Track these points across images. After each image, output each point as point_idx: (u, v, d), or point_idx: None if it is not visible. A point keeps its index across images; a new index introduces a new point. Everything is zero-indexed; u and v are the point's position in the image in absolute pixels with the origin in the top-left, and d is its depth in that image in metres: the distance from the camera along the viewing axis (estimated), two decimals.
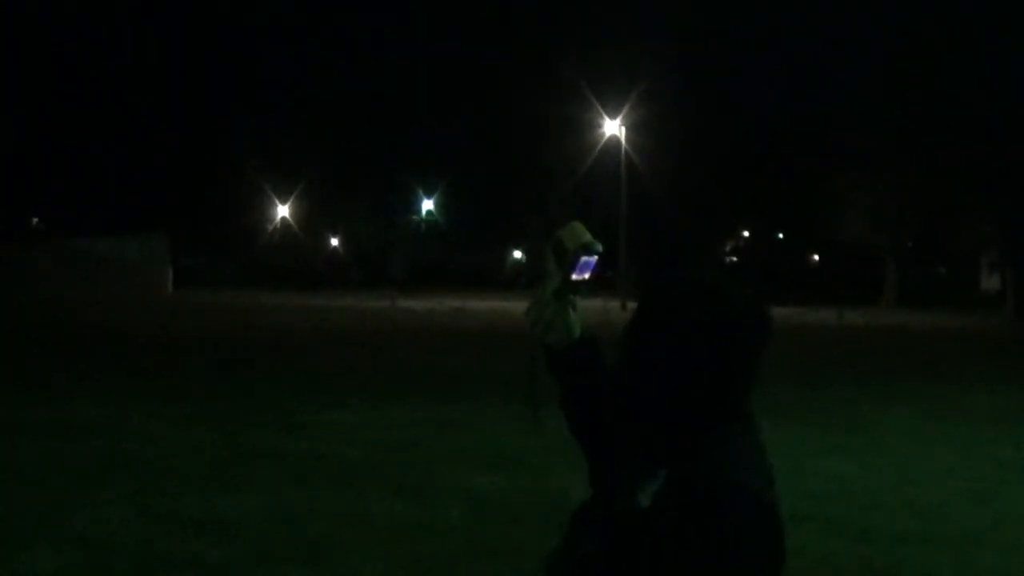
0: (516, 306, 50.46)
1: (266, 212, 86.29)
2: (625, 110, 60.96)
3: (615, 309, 36.88)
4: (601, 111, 61.75)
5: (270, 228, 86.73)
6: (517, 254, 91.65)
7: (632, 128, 61.72)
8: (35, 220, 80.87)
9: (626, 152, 60.44)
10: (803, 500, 9.57)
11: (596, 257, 2.78)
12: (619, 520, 2.11)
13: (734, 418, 2.17)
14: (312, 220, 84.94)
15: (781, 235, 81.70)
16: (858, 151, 57.22)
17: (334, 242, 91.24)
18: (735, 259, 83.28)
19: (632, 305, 2.88)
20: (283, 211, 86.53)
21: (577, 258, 2.75)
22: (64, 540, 8.42)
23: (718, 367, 2.15)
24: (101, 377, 19.74)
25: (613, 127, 61.57)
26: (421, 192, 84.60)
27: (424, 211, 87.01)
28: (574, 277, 2.75)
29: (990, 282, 66.59)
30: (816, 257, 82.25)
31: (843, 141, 58.18)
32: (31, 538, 8.48)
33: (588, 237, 2.77)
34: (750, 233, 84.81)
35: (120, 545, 8.33)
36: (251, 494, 10.11)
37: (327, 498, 9.98)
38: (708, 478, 2.05)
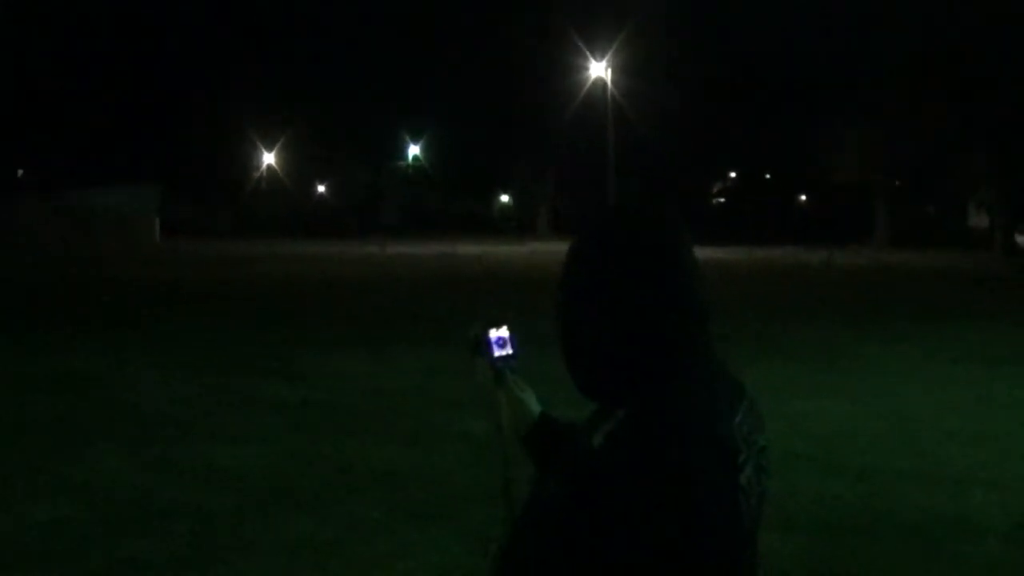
0: (505, 250, 50.43)
1: (252, 160, 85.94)
2: (611, 52, 60.69)
3: None
4: (587, 53, 61.48)
5: (256, 176, 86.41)
6: (505, 198, 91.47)
7: (618, 70, 61.47)
8: (20, 172, 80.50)
9: (612, 95, 60.22)
10: (799, 440, 9.62)
11: (504, 329, 2.82)
12: (574, 462, 2.09)
13: (686, 352, 2.11)
14: (298, 167, 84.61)
15: (769, 176, 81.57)
16: (849, 92, 57.05)
17: (321, 189, 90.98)
18: (723, 200, 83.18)
19: None
20: (269, 159, 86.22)
21: (486, 339, 2.79)
22: (63, 491, 8.45)
23: (644, 302, 2.09)
24: (96, 329, 19.73)
25: (599, 69, 61.32)
26: (407, 137, 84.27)
27: (411, 156, 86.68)
28: (496, 355, 2.78)
29: (978, 220, 66.63)
30: (804, 198, 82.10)
31: (833, 82, 57.98)
32: (30, 489, 8.51)
33: (486, 318, 2.84)
34: (738, 175, 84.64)
35: (119, 495, 8.36)
36: (249, 443, 10.13)
37: (325, 445, 10.01)
38: (655, 414, 2.01)
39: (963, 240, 61.09)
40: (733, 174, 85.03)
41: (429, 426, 10.87)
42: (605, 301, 2.11)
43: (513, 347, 2.80)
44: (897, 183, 64.11)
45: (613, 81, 60.76)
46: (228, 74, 75.01)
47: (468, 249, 52.16)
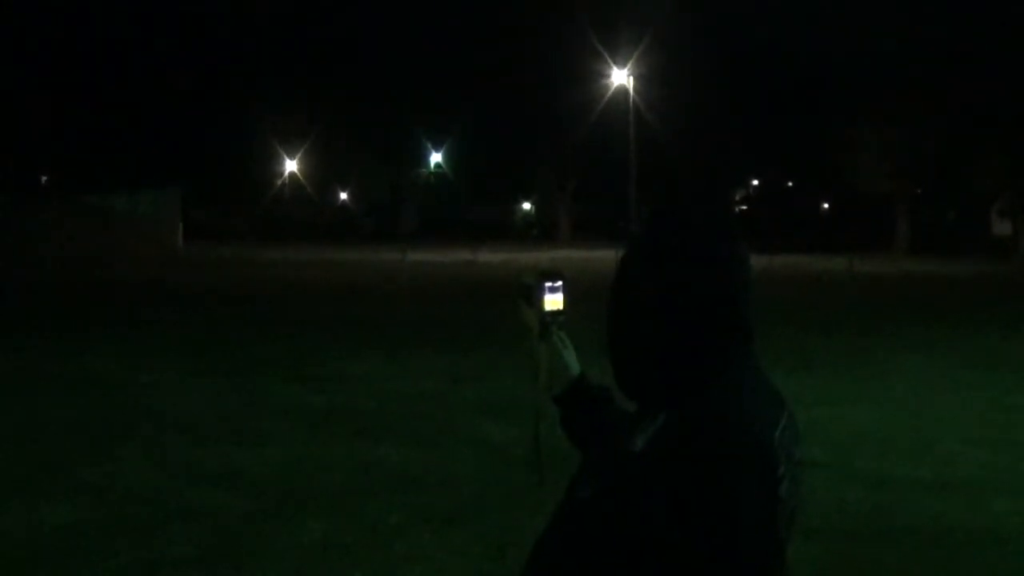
0: (527, 257, 50.37)
1: (275, 167, 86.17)
2: (633, 60, 60.65)
3: None
4: (609, 60, 61.46)
5: (279, 183, 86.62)
6: (527, 206, 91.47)
7: (640, 78, 61.43)
8: (44, 178, 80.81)
9: (635, 102, 60.19)
10: (817, 447, 9.59)
11: (559, 281, 2.81)
12: (613, 465, 2.10)
13: (731, 362, 2.14)
14: (320, 174, 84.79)
15: (791, 183, 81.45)
16: (870, 98, 56.86)
17: (343, 196, 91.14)
18: (745, 207, 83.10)
19: None
20: (291, 166, 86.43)
21: (540, 288, 2.78)
22: (82, 493, 8.48)
23: (698, 311, 2.11)
24: (117, 332, 19.81)
25: (621, 76, 61.29)
26: (429, 145, 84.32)
27: (432, 164, 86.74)
28: (547, 308, 2.78)
29: (1001, 227, 66.36)
30: (826, 205, 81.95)
31: (855, 88, 57.80)
32: (49, 491, 8.54)
33: (543, 268, 2.84)
34: (760, 182, 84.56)
35: (137, 498, 8.39)
36: (267, 446, 10.16)
37: (343, 450, 10.03)
38: (699, 420, 2.03)
39: (985, 247, 60.88)
40: (755, 182, 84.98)
41: (448, 431, 10.89)
42: (655, 306, 2.14)
43: (565, 302, 2.81)
44: (919, 190, 63.92)
45: (635, 89, 60.72)
46: (252, 80, 75.18)
47: (489, 257, 52.13)
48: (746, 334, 2.17)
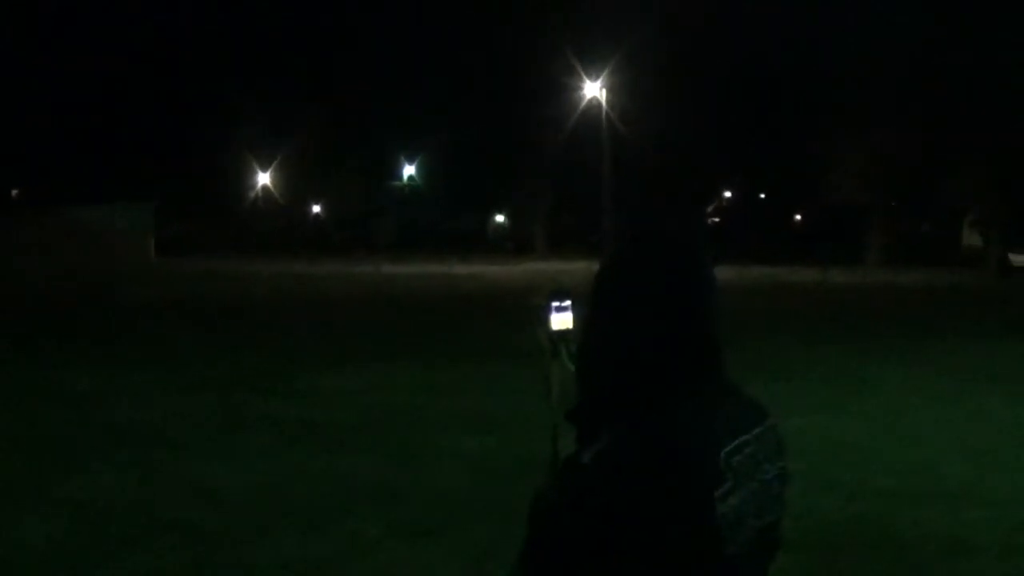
0: (502, 270, 50.34)
1: (247, 179, 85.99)
2: (606, 72, 60.75)
3: None
4: (582, 73, 61.53)
5: (252, 195, 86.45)
6: (500, 218, 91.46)
7: (613, 90, 61.52)
8: (14, 192, 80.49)
9: (608, 114, 60.29)
10: (794, 458, 9.59)
11: (568, 301, 2.84)
12: (567, 475, 2.12)
13: (686, 380, 2.13)
14: (293, 187, 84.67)
15: (764, 195, 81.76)
16: (843, 110, 57.08)
17: (316, 209, 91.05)
18: (718, 219, 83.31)
19: None
20: (264, 178, 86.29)
21: (548, 308, 2.81)
22: (59, 508, 8.46)
23: (656, 326, 2.12)
24: (91, 345, 19.75)
25: (594, 89, 61.40)
26: (403, 157, 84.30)
27: (406, 176, 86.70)
28: (554, 327, 2.81)
29: (971, 239, 66.71)
30: (799, 217, 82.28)
31: (828, 101, 58.01)
32: (26, 506, 8.52)
33: (553, 288, 2.87)
34: (732, 194, 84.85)
35: (115, 512, 8.36)
36: (245, 460, 10.15)
37: (321, 463, 10.02)
38: (636, 437, 2.05)
39: (958, 259, 61.20)
40: (728, 193, 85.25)
41: (425, 443, 10.89)
42: (611, 323, 2.16)
43: (574, 321, 2.84)
44: (892, 202, 64.19)
45: (608, 101, 60.82)
46: (223, 93, 75.02)
47: (462, 269, 52.16)
48: (706, 347, 2.18)
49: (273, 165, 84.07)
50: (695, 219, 63.32)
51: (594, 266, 2.35)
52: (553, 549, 2.01)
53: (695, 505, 1.98)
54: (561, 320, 2.85)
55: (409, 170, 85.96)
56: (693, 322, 2.14)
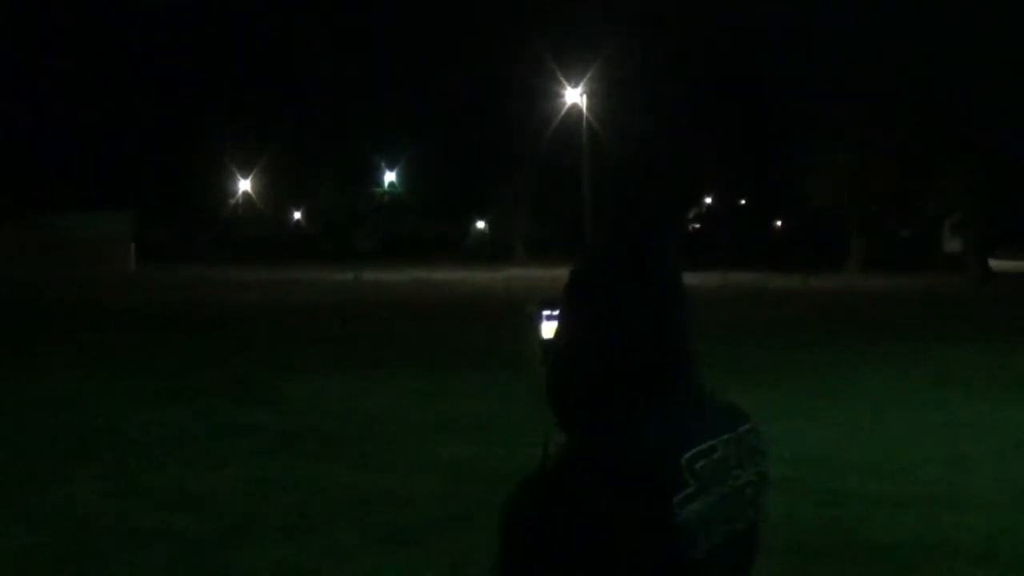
0: (481, 277, 50.28)
1: (228, 186, 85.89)
2: (586, 78, 60.85)
3: None
4: (562, 80, 61.61)
5: (232, 202, 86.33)
6: (481, 224, 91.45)
7: (594, 96, 61.61)
8: None
9: (588, 121, 60.39)
10: (772, 463, 9.63)
11: (558, 309, 2.86)
12: (531, 481, 2.13)
13: (651, 388, 2.13)
14: (274, 194, 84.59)
15: (744, 202, 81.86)
16: (822, 118, 57.22)
17: (297, 216, 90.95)
18: (698, 226, 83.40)
19: None
20: (244, 185, 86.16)
21: (539, 316, 2.83)
22: (39, 517, 8.44)
23: (618, 335, 2.14)
24: (70, 353, 19.68)
25: (574, 96, 61.49)
26: (383, 164, 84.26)
27: (387, 183, 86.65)
28: (544, 335, 2.83)
29: (952, 244, 66.93)
30: (779, 223, 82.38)
31: (807, 107, 58.15)
32: (5, 515, 8.49)
33: (545, 296, 2.87)
34: (713, 200, 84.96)
35: (95, 521, 8.35)
36: (226, 468, 10.13)
37: (301, 471, 10.01)
38: (594, 441, 2.06)
39: (938, 265, 61.38)
40: (709, 200, 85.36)
41: (404, 451, 10.88)
42: (576, 329, 2.17)
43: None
44: (872, 209, 64.34)
45: (588, 107, 60.92)
46: (203, 100, 74.90)
47: (443, 276, 52.13)
48: (677, 356, 2.18)
49: (254, 172, 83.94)
50: (667, 225, 63.14)
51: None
52: (522, 557, 2.02)
53: (652, 510, 1.99)
54: (551, 328, 2.86)
55: (390, 177, 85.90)
56: (658, 328, 2.15)
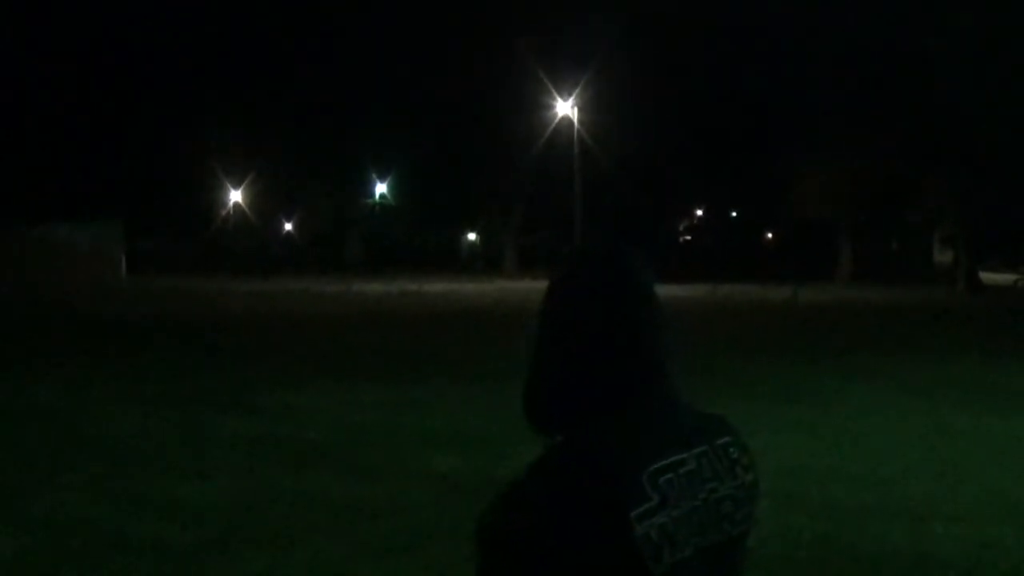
0: (471, 288, 50.30)
1: (219, 197, 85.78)
2: (578, 90, 60.88)
3: None
4: (553, 91, 61.62)
5: (223, 213, 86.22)
6: (472, 236, 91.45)
7: (584, 109, 61.63)
8: None
9: (579, 132, 60.42)
10: (760, 475, 9.64)
11: None
12: (503, 493, 2.14)
13: (618, 400, 2.12)
14: (265, 204, 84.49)
15: (735, 214, 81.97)
16: (812, 129, 57.37)
17: (288, 226, 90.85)
18: (689, 237, 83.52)
19: None
20: (235, 196, 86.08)
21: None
22: (25, 524, 8.42)
23: (586, 348, 2.14)
24: (60, 362, 19.66)
25: (565, 108, 61.52)
26: (374, 175, 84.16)
27: (378, 194, 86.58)
28: None
29: (942, 256, 67.09)
30: (770, 235, 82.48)
31: (797, 119, 58.30)
32: None
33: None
34: (704, 211, 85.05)
35: (81, 529, 8.32)
36: (212, 477, 10.11)
37: (289, 481, 9.99)
38: (557, 451, 2.07)
39: (927, 276, 61.52)
40: (699, 211, 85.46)
41: (393, 461, 10.87)
42: (548, 338, 2.18)
43: None
44: (862, 220, 64.50)
45: (579, 119, 60.95)
46: (194, 110, 74.78)
47: (433, 287, 52.15)
48: (647, 368, 2.18)
49: (245, 182, 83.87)
50: (643, 235, 62.90)
51: None
52: (494, 567, 2.02)
53: (608, 523, 1.98)
54: None
55: (381, 188, 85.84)
56: (628, 340, 2.15)
